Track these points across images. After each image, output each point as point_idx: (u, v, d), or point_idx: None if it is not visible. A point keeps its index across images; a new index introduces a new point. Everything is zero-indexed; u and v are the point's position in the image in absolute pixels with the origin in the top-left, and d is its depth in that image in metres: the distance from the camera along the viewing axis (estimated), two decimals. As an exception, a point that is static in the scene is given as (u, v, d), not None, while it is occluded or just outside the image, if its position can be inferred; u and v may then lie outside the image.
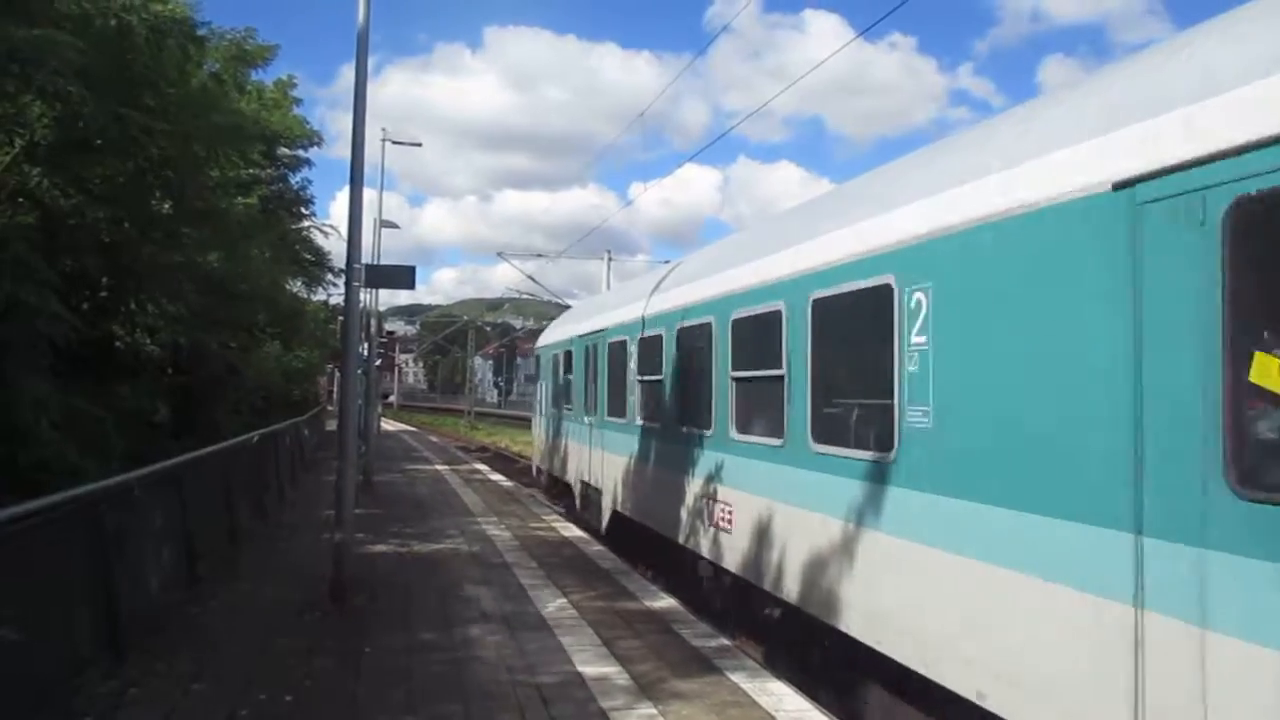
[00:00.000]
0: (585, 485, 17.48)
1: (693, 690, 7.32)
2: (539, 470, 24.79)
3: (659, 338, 12.53)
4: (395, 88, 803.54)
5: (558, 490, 21.52)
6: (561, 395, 19.89)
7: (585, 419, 17.12)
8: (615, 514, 15.14)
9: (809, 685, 7.98)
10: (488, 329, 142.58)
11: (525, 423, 74.96)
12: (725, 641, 8.94)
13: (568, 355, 19.16)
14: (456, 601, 10.41)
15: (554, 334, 22.02)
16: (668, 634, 9.12)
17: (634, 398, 13.66)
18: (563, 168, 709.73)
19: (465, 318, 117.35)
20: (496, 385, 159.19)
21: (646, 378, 13.12)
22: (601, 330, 16.01)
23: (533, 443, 27.46)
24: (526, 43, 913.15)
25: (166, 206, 13.79)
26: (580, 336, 17.80)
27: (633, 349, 13.79)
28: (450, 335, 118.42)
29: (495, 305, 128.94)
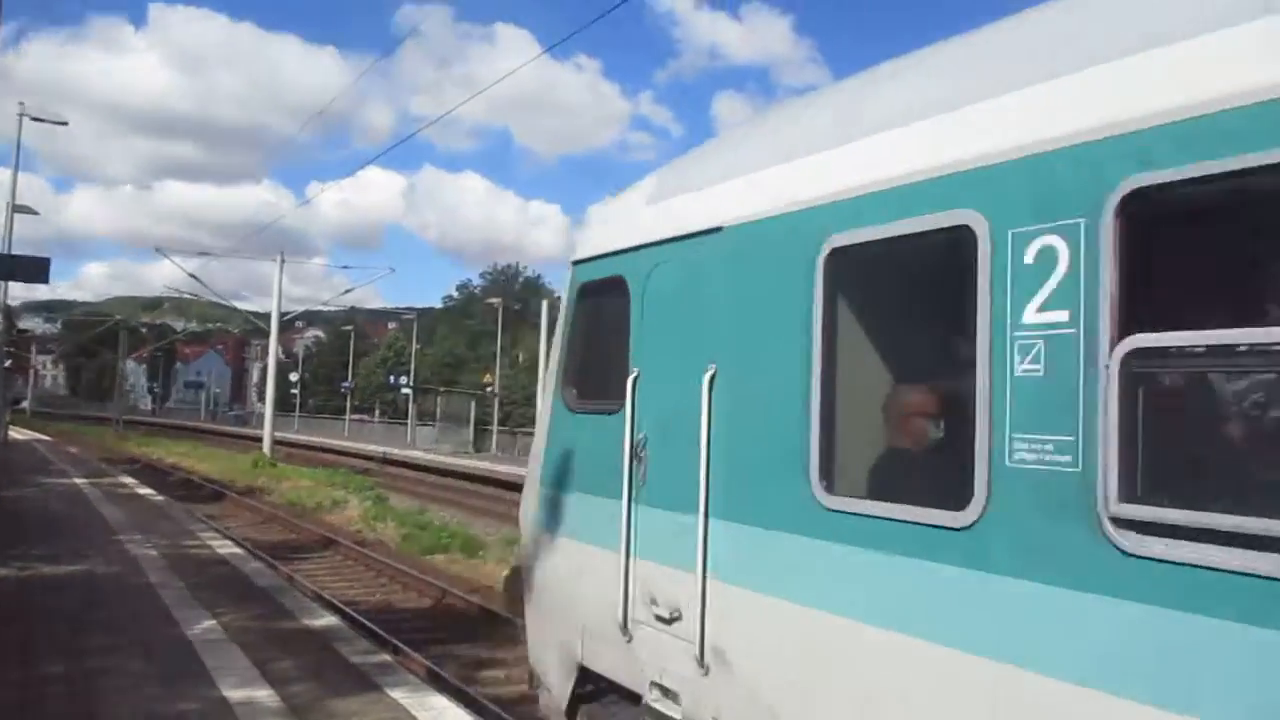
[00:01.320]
0: None
1: (350, 709, 7.18)
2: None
3: None
4: (38, 60, 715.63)
5: None
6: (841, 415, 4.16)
7: None
8: None
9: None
10: (143, 330, 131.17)
11: (182, 432, 69.13)
12: (386, 658, 8.82)
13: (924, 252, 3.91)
14: (89, 628, 9.50)
15: (742, 193, 4.77)
16: (326, 652, 8.85)
17: None
18: (234, 161, 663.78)
19: (117, 317, 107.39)
20: (151, 391, 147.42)
21: None
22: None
23: (534, 587, 6.57)
24: (196, 25, 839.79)
25: None
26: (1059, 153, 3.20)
27: None
28: (99, 336, 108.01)
29: (153, 305, 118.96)
